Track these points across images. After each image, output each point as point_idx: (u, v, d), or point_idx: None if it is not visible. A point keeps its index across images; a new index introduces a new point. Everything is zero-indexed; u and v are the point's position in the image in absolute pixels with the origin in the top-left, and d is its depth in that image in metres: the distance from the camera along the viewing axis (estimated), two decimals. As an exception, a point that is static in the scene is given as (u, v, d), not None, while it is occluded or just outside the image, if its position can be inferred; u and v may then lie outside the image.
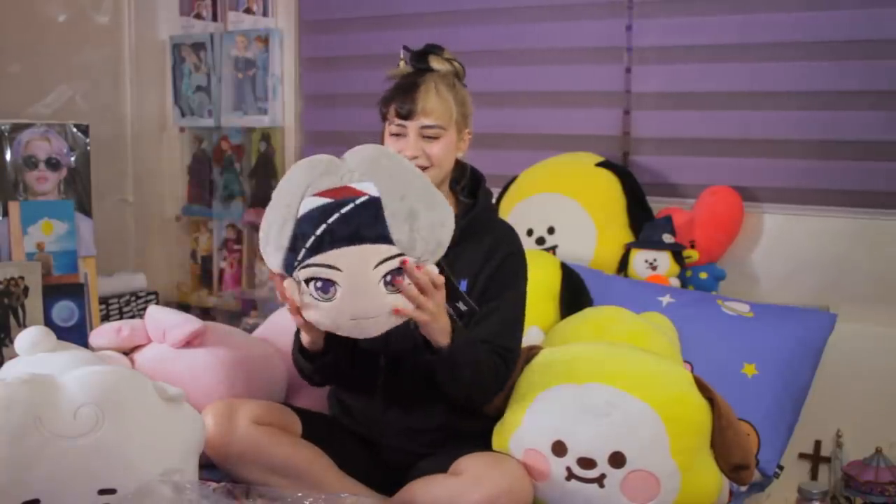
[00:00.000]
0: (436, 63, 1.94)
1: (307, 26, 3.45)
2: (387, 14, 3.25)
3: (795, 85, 2.66)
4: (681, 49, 2.80)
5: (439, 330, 1.74)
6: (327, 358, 1.87)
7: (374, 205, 1.63)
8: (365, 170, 1.66)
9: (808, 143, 2.66)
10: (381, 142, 1.94)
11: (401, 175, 1.68)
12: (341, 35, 3.36)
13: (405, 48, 1.97)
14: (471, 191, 2.02)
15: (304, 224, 1.63)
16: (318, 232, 1.62)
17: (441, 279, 1.69)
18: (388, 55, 3.11)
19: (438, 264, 1.71)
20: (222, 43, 3.55)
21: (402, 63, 1.96)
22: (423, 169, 1.87)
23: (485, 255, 1.93)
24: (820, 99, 2.64)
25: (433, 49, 1.96)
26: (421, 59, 1.94)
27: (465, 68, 2.00)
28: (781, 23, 2.66)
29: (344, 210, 1.62)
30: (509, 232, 2.01)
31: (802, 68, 2.64)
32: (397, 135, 1.91)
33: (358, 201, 1.63)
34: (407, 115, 1.88)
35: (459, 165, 2.01)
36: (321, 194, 1.64)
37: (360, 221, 1.61)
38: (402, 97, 1.89)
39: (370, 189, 1.63)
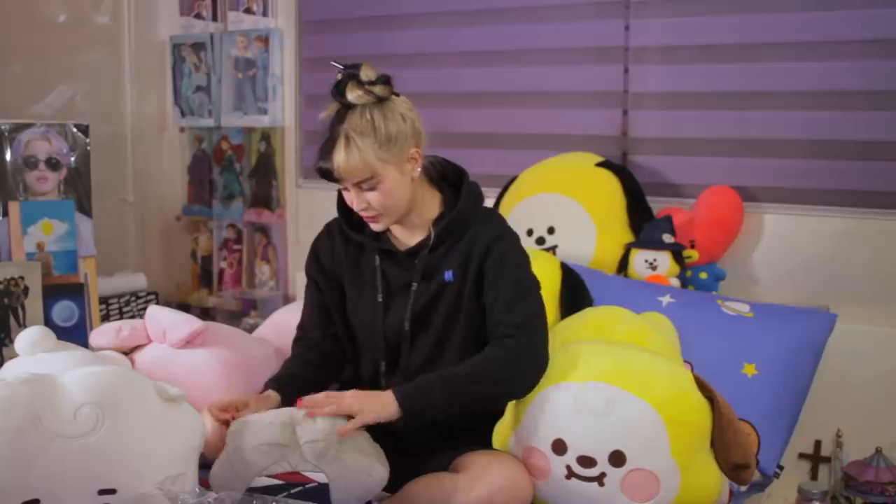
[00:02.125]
0: (353, 95, 1.82)
1: (307, 26, 3.45)
2: (387, 14, 3.25)
3: (795, 85, 2.66)
4: (679, 49, 2.80)
5: (381, 413, 1.78)
6: None
7: (321, 491, 1.75)
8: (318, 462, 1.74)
9: (807, 143, 2.66)
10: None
11: (351, 477, 1.75)
12: (341, 35, 3.36)
13: (333, 63, 1.88)
14: (456, 188, 2.01)
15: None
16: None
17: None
18: (388, 55, 3.14)
19: None
20: (222, 43, 3.56)
21: (339, 76, 1.86)
22: (377, 216, 1.89)
23: (469, 246, 1.93)
24: (820, 99, 2.64)
25: (351, 75, 1.83)
26: (340, 92, 1.84)
27: (389, 83, 1.86)
28: (781, 23, 2.66)
29: (293, 490, 1.76)
30: (493, 219, 2.00)
31: (802, 68, 2.64)
32: (343, 188, 1.90)
33: (307, 486, 1.76)
34: (331, 179, 1.85)
35: (427, 165, 1.98)
36: (274, 476, 1.77)
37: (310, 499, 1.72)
38: (321, 160, 1.84)
39: (320, 478, 1.75)
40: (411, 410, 1.79)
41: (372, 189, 1.86)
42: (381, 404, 1.78)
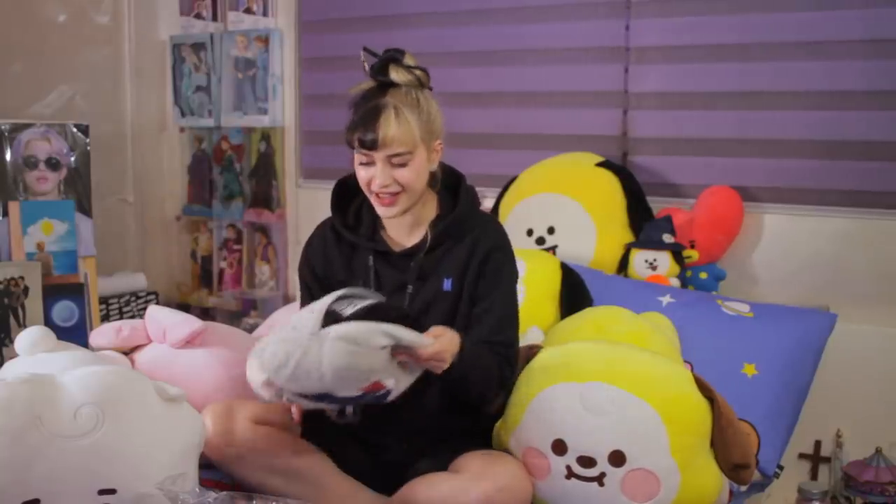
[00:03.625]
0: (396, 75, 1.86)
1: (307, 26, 3.45)
2: (387, 14, 3.25)
3: (795, 85, 2.66)
4: (679, 49, 2.80)
5: (439, 352, 1.75)
6: None
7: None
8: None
9: (807, 143, 2.66)
10: (352, 167, 1.93)
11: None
12: (341, 35, 3.36)
13: (366, 50, 1.91)
14: (452, 191, 2.00)
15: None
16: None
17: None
18: (388, 55, 3.13)
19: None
20: (222, 43, 3.56)
21: (364, 64, 1.89)
22: (394, 196, 1.87)
23: (468, 253, 1.93)
24: (820, 99, 2.64)
25: (393, 57, 1.87)
26: (381, 70, 1.87)
27: (428, 74, 1.91)
28: (781, 23, 2.66)
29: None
30: (492, 226, 2.00)
31: (802, 68, 2.64)
32: (365, 164, 1.88)
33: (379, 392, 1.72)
34: (371, 146, 1.84)
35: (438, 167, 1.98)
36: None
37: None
38: (363, 127, 1.83)
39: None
40: (461, 366, 1.78)
41: (403, 165, 1.85)
42: (448, 346, 1.76)
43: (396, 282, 1.95)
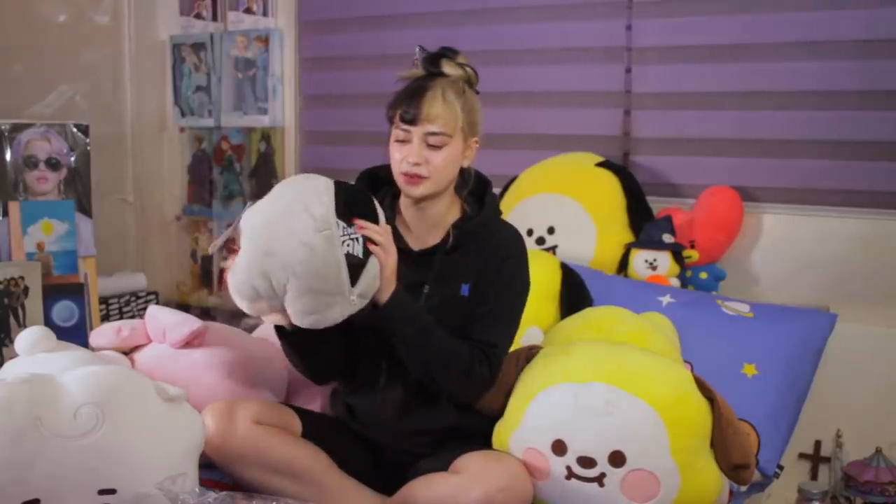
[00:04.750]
0: (448, 68, 1.90)
1: (307, 26, 3.45)
2: (387, 14, 3.25)
3: (795, 85, 2.66)
4: (681, 49, 2.80)
5: (388, 279, 1.80)
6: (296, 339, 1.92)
7: None
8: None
9: (808, 143, 2.66)
10: (387, 147, 1.92)
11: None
12: (341, 35, 3.36)
13: (421, 48, 1.94)
14: (479, 197, 2.00)
15: None
16: None
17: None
18: (388, 55, 3.14)
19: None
20: (222, 43, 3.56)
21: (416, 62, 1.92)
22: (421, 178, 1.87)
23: (486, 260, 1.92)
24: (820, 99, 2.64)
25: (447, 52, 1.92)
26: (433, 62, 1.90)
27: (478, 75, 1.95)
28: (781, 23, 2.66)
29: None
30: (512, 235, 1.99)
31: (802, 68, 2.64)
32: (402, 141, 1.87)
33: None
34: (412, 121, 1.85)
35: (464, 171, 1.97)
36: None
37: None
38: (408, 101, 1.85)
39: None
40: (389, 312, 1.82)
41: (438, 147, 1.86)
42: (391, 284, 1.82)
43: (413, 280, 1.91)
